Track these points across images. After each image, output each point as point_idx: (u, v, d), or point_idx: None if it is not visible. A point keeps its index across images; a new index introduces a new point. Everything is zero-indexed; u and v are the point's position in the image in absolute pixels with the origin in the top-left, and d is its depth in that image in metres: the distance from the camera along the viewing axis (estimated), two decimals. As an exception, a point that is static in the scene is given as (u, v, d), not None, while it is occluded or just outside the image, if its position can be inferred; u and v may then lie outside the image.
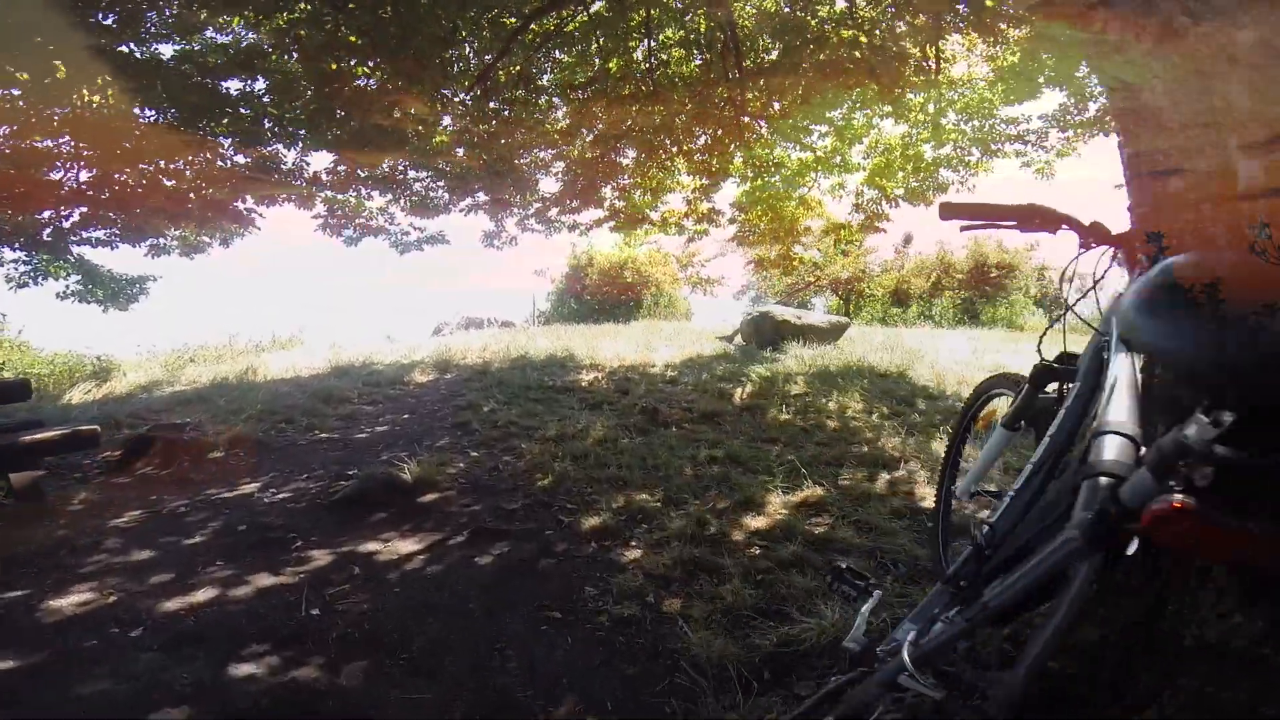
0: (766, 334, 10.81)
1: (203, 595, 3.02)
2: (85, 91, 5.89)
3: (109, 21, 5.64)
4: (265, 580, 3.15)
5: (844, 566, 1.87)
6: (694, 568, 3.24)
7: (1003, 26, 7.92)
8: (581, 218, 10.03)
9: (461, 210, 9.22)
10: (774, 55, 8.26)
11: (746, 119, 8.57)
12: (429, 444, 5.41)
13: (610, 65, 7.38)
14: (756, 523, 3.81)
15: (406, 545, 3.52)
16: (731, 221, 10.09)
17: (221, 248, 9.37)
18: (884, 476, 4.60)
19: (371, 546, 3.51)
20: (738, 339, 12.17)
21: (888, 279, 23.31)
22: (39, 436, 3.94)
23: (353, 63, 6.06)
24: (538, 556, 3.41)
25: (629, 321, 17.29)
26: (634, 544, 3.56)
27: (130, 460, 5.20)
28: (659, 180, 9.32)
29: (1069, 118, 9.26)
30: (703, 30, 7.52)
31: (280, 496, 4.29)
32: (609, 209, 9.75)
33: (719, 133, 8.38)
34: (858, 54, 7.46)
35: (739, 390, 7.13)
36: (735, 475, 4.54)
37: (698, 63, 8.29)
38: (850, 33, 7.59)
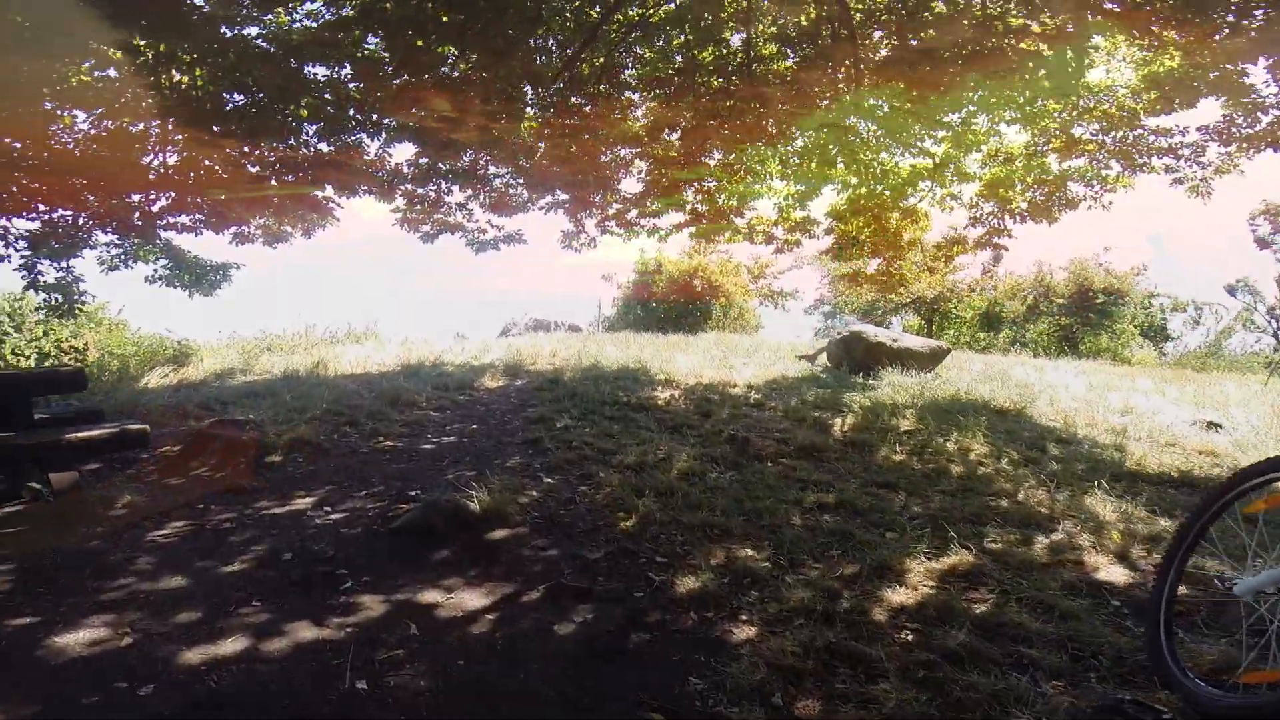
0: (857, 357, 9.89)
1: (231, 646, 2.52)
2: (174, 72, 5.72)
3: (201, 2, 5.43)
4: (305, 633, 2.63)
5: (1125, 699, 1.32)
6: (830, 657, 2.54)
7: (1154, 29, 6.89)
8: (662, 221, 9.43)
9: (541, 209, 8.77)
10: (883, 52, 7.46)
11: (853, 120, 7.76)
12: (498, 462, 4.88)
13: (703, 56, 6.74)
14: (899, 596, 3.07)
15: (473, 599, 2.94)
16: (828, 232, 9.27)
17: (304, 238, 9.26)
18: (1041, 540, 3.81)
19: (432, 596, 2.95)
20: (820, 359, 11.28)
21: (978, 300, 21.73)
22: (85, 434, 3.61)
23: (438, 44, 5.66)
24: (627, 627, 2.77)
25: (697, 332, 16.59)
26: (745, 618, 2.87)
27: (186, 458, 4.89)
28: (747, 184, 8.62)
29: (1235, 131, 8.02)
30: (811, 19, 6.78)
31: (334, 517, 3.81)
32: (690, 213, 9.10)
33: (822, 134, 7.62)
34: (985, 47, 6.57)
35: (839, 421, 6.32)
36: (855, 529, 3.80)
37: (791, 61, 7.55)
38: (970, 27, 6.71)
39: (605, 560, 3.37)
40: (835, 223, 9.00)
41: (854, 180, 8.12)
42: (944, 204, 8.88)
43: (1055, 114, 8.33)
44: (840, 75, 7.15)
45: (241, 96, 6.08)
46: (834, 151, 7.72)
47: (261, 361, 9.10)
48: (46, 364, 8.73)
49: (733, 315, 18.86)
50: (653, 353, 10.81)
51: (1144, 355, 19.22)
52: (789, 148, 7.93)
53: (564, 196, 8.59)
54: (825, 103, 7.67)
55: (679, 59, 7.50)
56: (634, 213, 9.12)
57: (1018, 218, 8.46)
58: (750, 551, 3.52)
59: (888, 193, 8.36)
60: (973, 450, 5.72)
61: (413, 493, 4.12)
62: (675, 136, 8.47)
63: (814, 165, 8.04)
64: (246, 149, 6.66)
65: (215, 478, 4.62)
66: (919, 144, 8.06)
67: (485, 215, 8.99)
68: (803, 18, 7.19)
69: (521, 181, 8.56)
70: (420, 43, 5.49)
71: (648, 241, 10.02)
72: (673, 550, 3.51)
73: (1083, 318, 20.53)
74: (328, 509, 3.95)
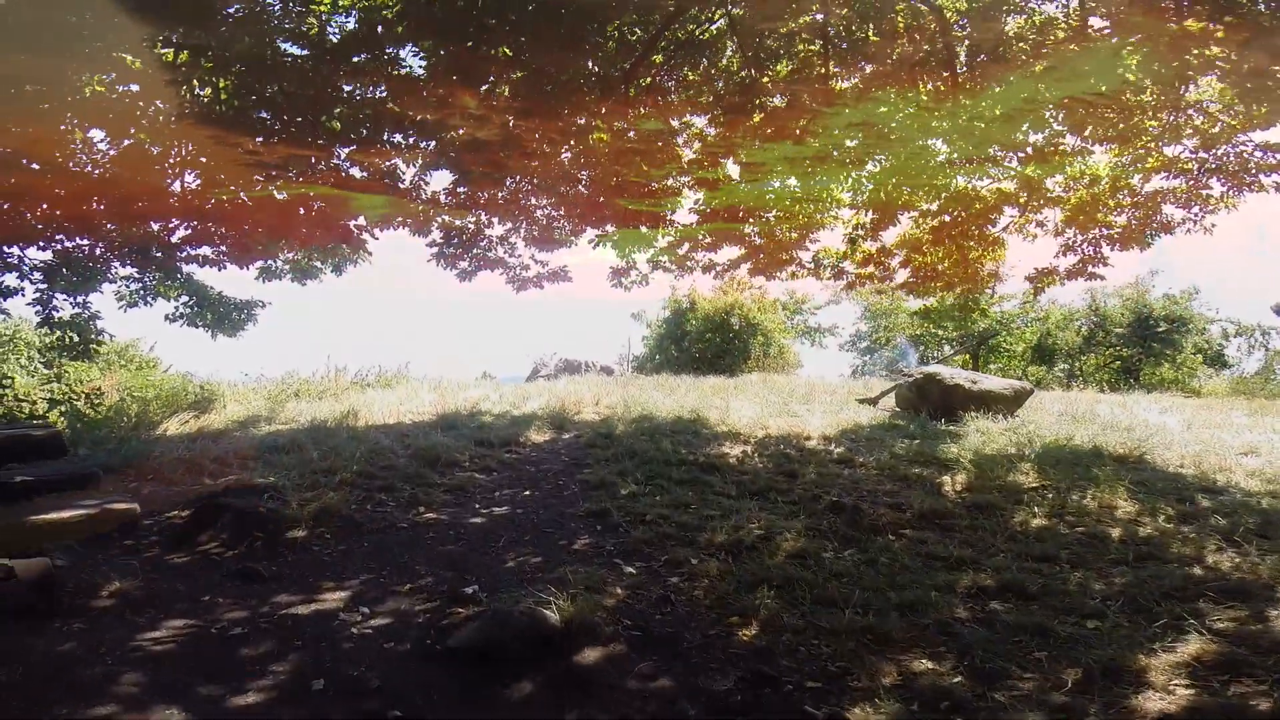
0: (933, 401, 9.00)
1: None
2: (195, 83, 5.16)
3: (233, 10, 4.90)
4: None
5: None
6: None
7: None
8: (719, 256, 8.65)
9: (592, 242, 8.07)
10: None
11: (934, 142, 7.04)
12: (563, 542, 4.07)
13: (778, 69, 6.09)
14: (1154, 702, 2.47)
15: (575, 772, 2.10)
16: (904, 264, 8.45)
17: (334, 274, 8.65)
18: (1275, 614, 3.10)
19: (517, 766, 2.11)
20: (885, 402, 10.39)
21: (1029, 331, 20.67)
22: (55, 516, 2.86)
23: (490, 46, 5.05)
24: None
25: (737, 373, 15.77)
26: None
27: (194, 529, 4.13)
28: (810, 215, 7.90)
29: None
30: (895, 26, 6.12)
31: (375, 624, 3.00)
32: (748, 247, 8.35)
33: (901, 158, 6.90)
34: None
35: (948, 479, 5.42)
36: (1044, 619, 2.98)
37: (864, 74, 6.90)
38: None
39: (739, 691, 2.50)
40: (910, 254, 8.20)
41: (933, 206, 7.36)
42: (1027, 230, 8.06)
43: (1150, 127, 7.54)
44: (923, 89, 6.46)
45: (268, 114, 5.49)
46: (912, 173, 6.98)
47: (288, 409, 8.42)
48: (55, 411, 8.09)
49: (773, 354, 17.99)
50: (698, 397, 10.00)
51: (1215, 386, 17.97)
52: (861, 173, 7.21)
53: (612, 229, 7.88)
54: (896, 123, 6.97)
55: (743, 73, 6.86)
56: (685, 247, 8.37)
57: (1117, 244, 7.60)
58: (928, 663, 2.67)
59: (968, 220, 7.57)
60: (1118, 507, 4.87)
61: (469, 589, 3.29)
62: (731, 162, 7.78)
63: (890, 189, 7.29)
64: (274, 172, 6.06)
65: (226, 557, 3.85)
66: (1003, 164, 7.30)
67: (528, 250, 8.31)
68: (890, 23, 6.48)
69: (562, 213, 7.92)
70: (469, 44, 4.88)
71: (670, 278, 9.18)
72: (823, 669, 2.66)
73: (1145, 347, 19.38)
74: (364, 610, 3.14)
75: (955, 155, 7.50)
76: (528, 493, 5.08)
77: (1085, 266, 7.78)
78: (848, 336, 26.83)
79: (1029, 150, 7.60)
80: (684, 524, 4.35)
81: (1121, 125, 7.42)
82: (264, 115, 5.39)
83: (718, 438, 6.86)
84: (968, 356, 22.12)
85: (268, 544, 3.94)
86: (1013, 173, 7.37)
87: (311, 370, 11.85)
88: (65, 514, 2.90)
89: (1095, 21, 6.56)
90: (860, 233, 8.12)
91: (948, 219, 7.49)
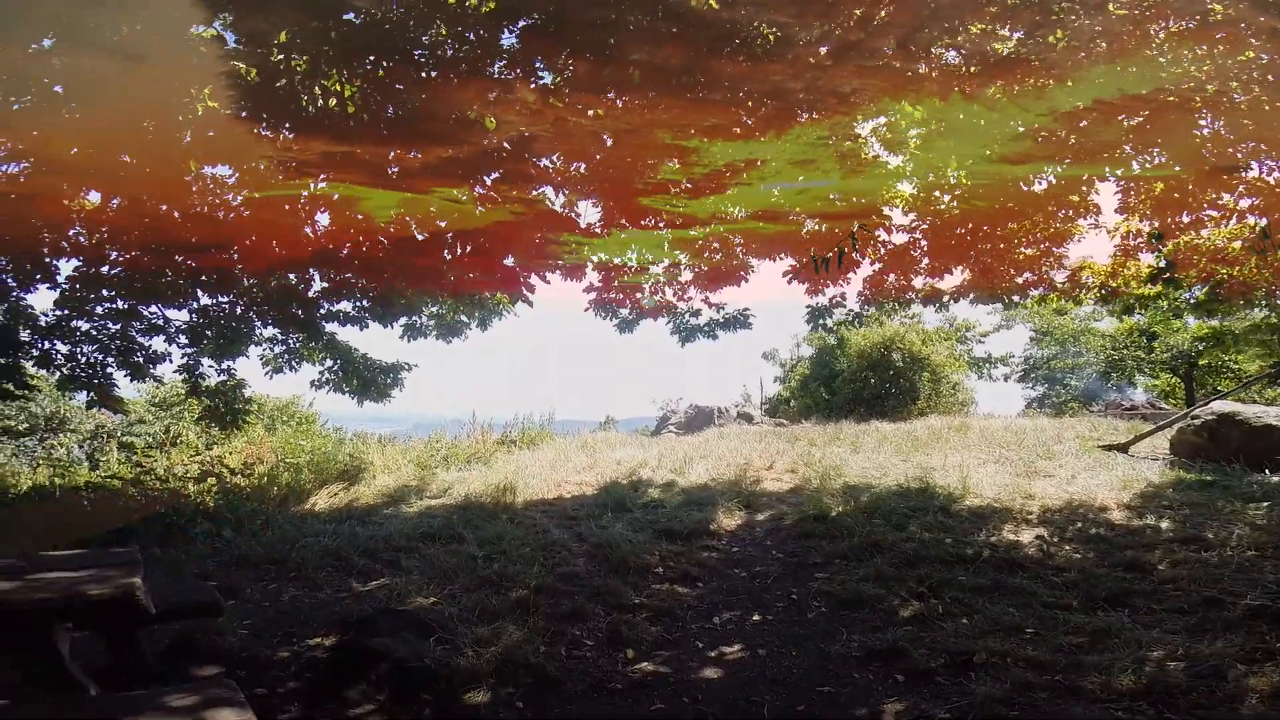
0: (1231, 447, 6.84)
1: None
2: (317, 90, 4.33)
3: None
4: None
5: None
6: None
7: None
8: (943, 283, 6.90)
9: (786, 276, 6.64)
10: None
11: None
12: (861, 712, 2.64)
13: (1052, 37, 4.53)
14: None
15: None
16: (1201, 277, 6.34)
17: (479, 329, 7.89)
18: None
19: None
20: (1140, 448, 8.18)
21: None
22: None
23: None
24: None
25: (909, 418, 13.65)
26: None
27: (340, 683, 3.08)
28: (1059, 222, 6.10)
29: None
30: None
31: None
32: (974, 267, 6.57)
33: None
34: None
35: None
36: None
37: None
38: None
39: None
40: (1208, 264, 6.10)
41: (1244, 203, 5.37)
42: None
43: None
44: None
45: (399, 126, 4.64)
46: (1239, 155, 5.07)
47: (438, 479, 7.66)
48: (207, 483, 7.69)
49: (944, 392, 15.64)
50: (895, 454, 8.25)
51: None
52: (1148, 157, 5.37)
53: (804, 260, 6.37)
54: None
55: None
56: (893, 275, 6.70)
57: None
58: None
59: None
60: None
61: None
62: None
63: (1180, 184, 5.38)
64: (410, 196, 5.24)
65: (385, 733, 2.75)
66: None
67: (698, 293, 7.02)
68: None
69: (740, 243, 6.63)
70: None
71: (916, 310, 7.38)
72: None
73: None
74: None
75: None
76: (757, 617, 3.69)
77: None
78: (1017, 366, 23.55)
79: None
80: (1042, 662, 2.87)
81: None
82: (395, 123, 4.55)
83: (980, 516, 5.16)
84: (1175, 379, 18.49)
85: (438, 709, 2.82)
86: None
87: (453, 421, 11.31)
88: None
89: None
90: (1137, 242, 6.17)
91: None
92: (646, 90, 4.85)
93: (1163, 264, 5.86)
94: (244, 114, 4.53)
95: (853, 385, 16.62)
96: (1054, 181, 5.71)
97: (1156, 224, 5.80)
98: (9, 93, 5.09)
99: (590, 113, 5.19)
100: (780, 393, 21.32)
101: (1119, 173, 5.75)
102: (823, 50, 4.80)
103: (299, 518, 6.35)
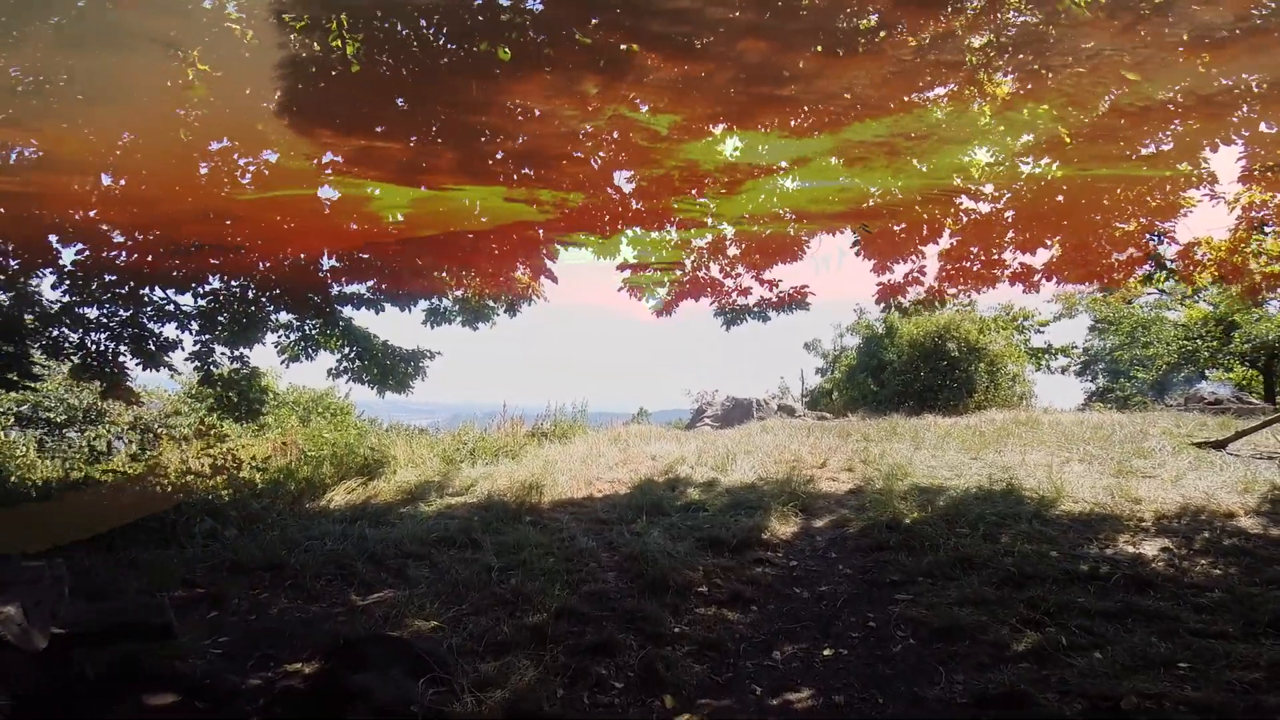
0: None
1: None
2: (330, 49, 3.78)
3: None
4: None
5: None
6: None
7: None
8: (1034, 258, 5.88)
9: (856, 251, 5.74)
10: None
11: None
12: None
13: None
14: None
15: None
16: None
17: (508, 315, 7.30)
18: None
19: None
20: (1236, 445, 7.22)
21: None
22: None
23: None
24: None
25: (964, 411, 12.67)
26: None
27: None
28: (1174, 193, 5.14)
29: None
30: None
31: None
32: (1066, 244, 5.58)
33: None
34: None
35: None
36: None
37: None
38: None
39: None
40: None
41: None
42: None
43: None
44: None
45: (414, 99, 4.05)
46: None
47: (462, 475, 7.13)
48: (218, 479, 7.28)
49: (1002, 384, 14.52)
50: (964, 451, 7.41)
51: None
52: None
53: (879, 228, 5.47)
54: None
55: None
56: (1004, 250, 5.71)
57: None
58: None
59: None
60: None
61: None
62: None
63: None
64: (425, 165, 4.65)
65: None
66: None
67: (747, 273, 6.21)
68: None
69: (791, 216, 5.85)
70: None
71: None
72: None
73: None
74: None
75: None
76: (828, 651, 2.98)
77: None
78: (1078, 356, 22.06)
79: None
80: (1212, 706, 2.20)
81: None
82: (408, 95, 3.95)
83: (1085, 524, 4.35)
84: (1254, 373, 16.94)
85: (424, 773, 2.21)
86: None
87: (488, 414, 10.82)
88: None
89: None
90: (1264, 214, 5.18)
91: None
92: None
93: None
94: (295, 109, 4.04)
95: (903, 377, 15.60)
96: (1164, 149, 4.78)
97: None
98: (24, 75, 4.71)
99: (645, 108, 4.58)
100: (822, 385, 20.39)
101: (1245, 134, 4.80)
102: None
103: (310, 516, 5.88)
